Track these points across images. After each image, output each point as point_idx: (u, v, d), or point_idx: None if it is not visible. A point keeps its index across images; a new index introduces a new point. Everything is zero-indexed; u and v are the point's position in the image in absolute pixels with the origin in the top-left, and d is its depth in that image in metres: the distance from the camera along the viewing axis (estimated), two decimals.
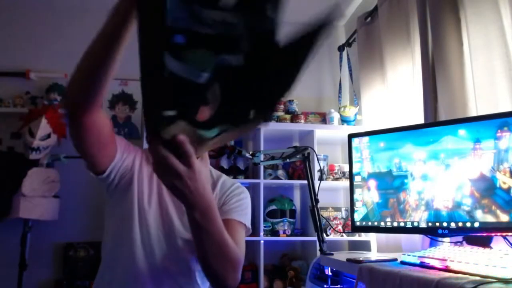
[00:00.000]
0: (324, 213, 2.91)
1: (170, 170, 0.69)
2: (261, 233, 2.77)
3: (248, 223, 1.18)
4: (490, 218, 1.29)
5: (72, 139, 0.97)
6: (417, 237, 1.92)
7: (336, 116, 3.03)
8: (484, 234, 1.33)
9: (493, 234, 1.32)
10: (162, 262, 1.12)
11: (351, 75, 3.15)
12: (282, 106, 3.07)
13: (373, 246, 2.58)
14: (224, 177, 1.26)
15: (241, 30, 0.61)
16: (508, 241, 1.31)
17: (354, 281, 1.34)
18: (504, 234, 1.30)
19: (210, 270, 0.97)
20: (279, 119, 3.01)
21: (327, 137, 3.03)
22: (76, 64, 0.84)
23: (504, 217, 1.26)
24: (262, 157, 2.09)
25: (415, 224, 1.49)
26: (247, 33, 0.62)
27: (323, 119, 3.12)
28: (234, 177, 2.86)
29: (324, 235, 1.89)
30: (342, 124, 3.00)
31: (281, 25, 0.64)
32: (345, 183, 2.87)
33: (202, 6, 0.58)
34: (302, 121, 3.02)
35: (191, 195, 0.76)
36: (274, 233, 2.89)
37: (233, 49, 0.62)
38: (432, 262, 1.17)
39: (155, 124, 0.62)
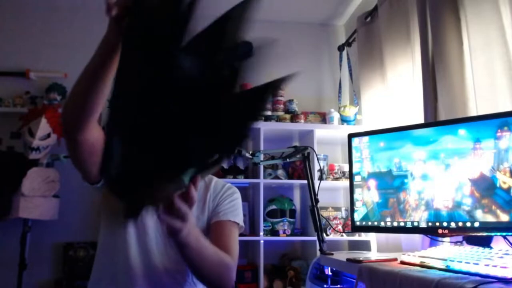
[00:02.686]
0: (324, 213, 2.91)
1: (170, 227, 0.81)
2: (261, 233, 2.77)
3: (242, 221, 1.28)
4: (490, 218, 1.29)
5: (68, 153, 1.01)
6: (417, 237, 1.92)
7: (336, 115, 3.02)
8: (484, 234, 1.33)
9: (493, 234, 1.32)
10: (161, 261, 1.15)
11: (351, 75, 3.14)
12: (282, 106, 3.07)
13: (373, 246, 2.57)
14: (214, 179, 1.33)
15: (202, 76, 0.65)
16: (508, 241, 1.31)
17: (354, 281, 1.34)
18: (504, 234, 1.30)
19: (209, 285, 1.11)
20: (279, 119, 3.00)
21: (327, 137, 3.03)
22: (74, 67, 0.87)
23: (504, 217, 1.26)
24: (262, 156, 2.08)
25: (415, 224, 1.49)
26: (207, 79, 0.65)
27: (323, 118, 3.12)
28: (234, 177, 2.86)
29: (324, 235, 1.89)
30: (342, 124, 2.99)
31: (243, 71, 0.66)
32: (345, 183, 2.87)
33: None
34: (302, 120, 3.02)
35: (186, 238, 0.88)
36: (274, 233, 2.89)
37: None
38: (432, 262, 1.17)
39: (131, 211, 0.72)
